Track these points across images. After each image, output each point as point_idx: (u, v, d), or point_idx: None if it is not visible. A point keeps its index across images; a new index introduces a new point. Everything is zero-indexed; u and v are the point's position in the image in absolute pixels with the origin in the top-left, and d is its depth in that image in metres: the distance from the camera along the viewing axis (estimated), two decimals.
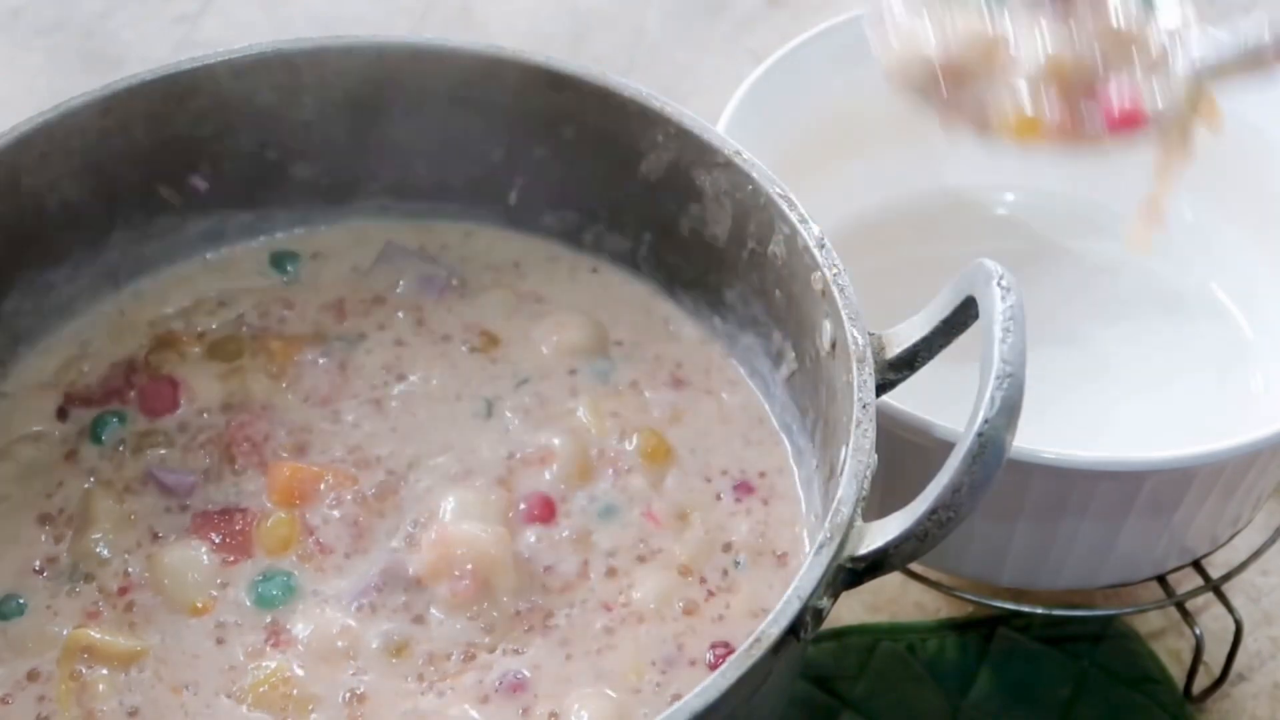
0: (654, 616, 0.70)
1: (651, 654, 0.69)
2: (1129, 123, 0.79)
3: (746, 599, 0.71)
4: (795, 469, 0.76)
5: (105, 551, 0.71)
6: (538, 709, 0.67)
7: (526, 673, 0.68)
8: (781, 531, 0.74)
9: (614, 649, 0.69)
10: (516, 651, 0.69)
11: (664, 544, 0.73)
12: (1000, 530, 0.81)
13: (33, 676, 0.68)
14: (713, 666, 0.68)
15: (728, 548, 0.73)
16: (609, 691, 0.67)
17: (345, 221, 0.84)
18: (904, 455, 0.74)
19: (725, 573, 0.72)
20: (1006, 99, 0.79)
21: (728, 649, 0.69)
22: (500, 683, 0.68)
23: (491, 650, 0.69)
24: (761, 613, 0.70)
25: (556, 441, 0.76)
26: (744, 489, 0.75)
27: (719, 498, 0.75)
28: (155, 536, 0.72)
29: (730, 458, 0.76)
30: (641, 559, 0.72)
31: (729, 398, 0.78)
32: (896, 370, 0.68)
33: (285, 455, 0.75)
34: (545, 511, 0.73)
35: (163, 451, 0.75)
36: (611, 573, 0.72)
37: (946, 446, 0.61)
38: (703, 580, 0.72)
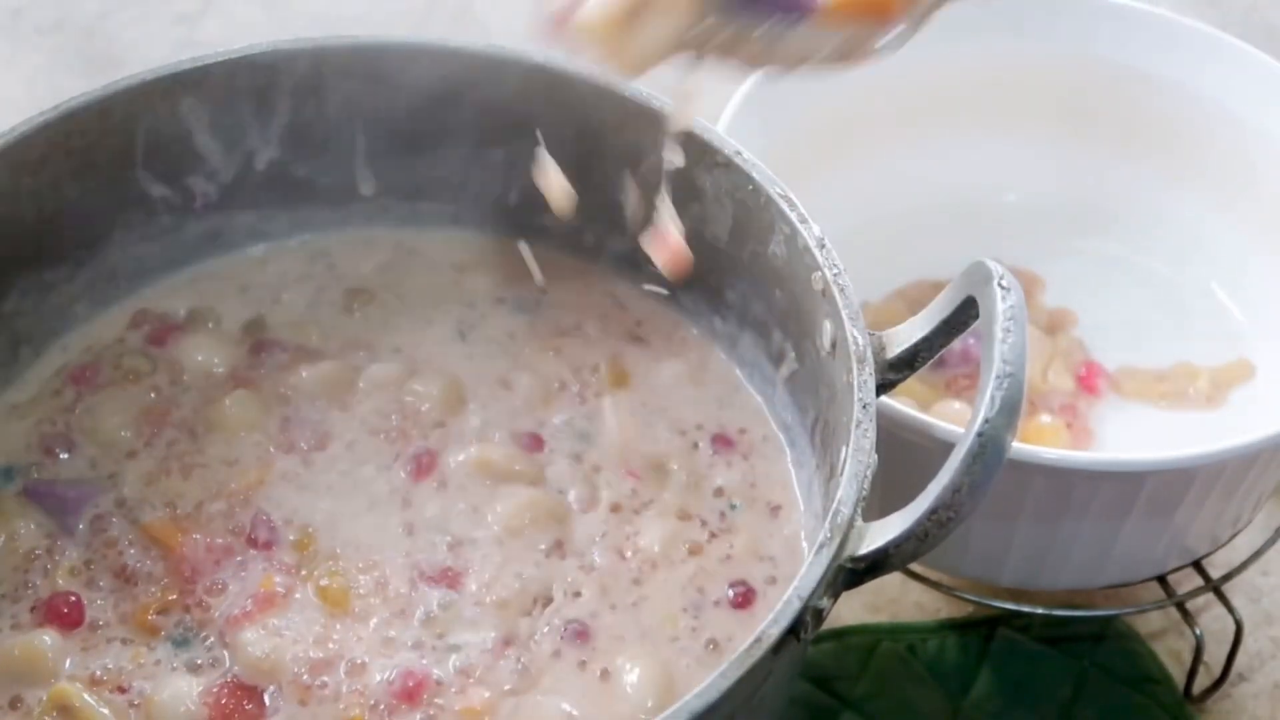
0: (664, 562, 0.72)
1: (679, 601, 0.71)
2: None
3: (749, 542, 0.73)
4: (777, 431, 0.77)
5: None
6: (594, 665, 0.68)
7: (588, 621, 0.70)
8: (772, 486, 0.75)
9: (648, 599, 0.71)
10: (577, 594, 0.70)
11: (653, 495, 0.74)
12: (1001, 530, 0.81)
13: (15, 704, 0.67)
14: (734, 603, 0.71)
15: (719, 492, 0.75)
16: (652, 647, 0.69)
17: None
18: (904, 455, 0.74)
19: (722, 515, 0.74)
20: None
21: (746, 586, 0.71)
22: (565, 630, 0.69)
23: (559, 593, 0.71)
24: (768, 558, 0.72)
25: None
26: (721, 441, 0.77)
27: (696, 446, 0.76)
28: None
29: (705, 415, 0.78)
30: (636, 511, 0.74)
31: (698, 360, 0.80)
32: (897, 370, 0.68)
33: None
34: (534, 443, 0.76)
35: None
36: (616, 509, 0.74)
37: (946, 447, 0.61)
38: (703, 523, 0.74)
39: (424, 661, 0.68)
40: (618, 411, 0.78)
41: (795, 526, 0.74)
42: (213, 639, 0.69)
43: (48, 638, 0.68)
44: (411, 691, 0.67)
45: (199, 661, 0.68)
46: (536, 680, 0.68)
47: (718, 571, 0.72)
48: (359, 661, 0.68)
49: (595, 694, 0.67)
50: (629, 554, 0.72)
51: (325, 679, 0.67)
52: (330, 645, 0.68)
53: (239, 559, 0.71)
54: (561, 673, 0.68)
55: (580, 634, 0.69)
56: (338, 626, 0.69)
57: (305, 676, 0.67)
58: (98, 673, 0.68)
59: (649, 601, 0.71)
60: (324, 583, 0.70)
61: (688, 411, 0.78)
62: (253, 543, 0.72)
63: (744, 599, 0.71)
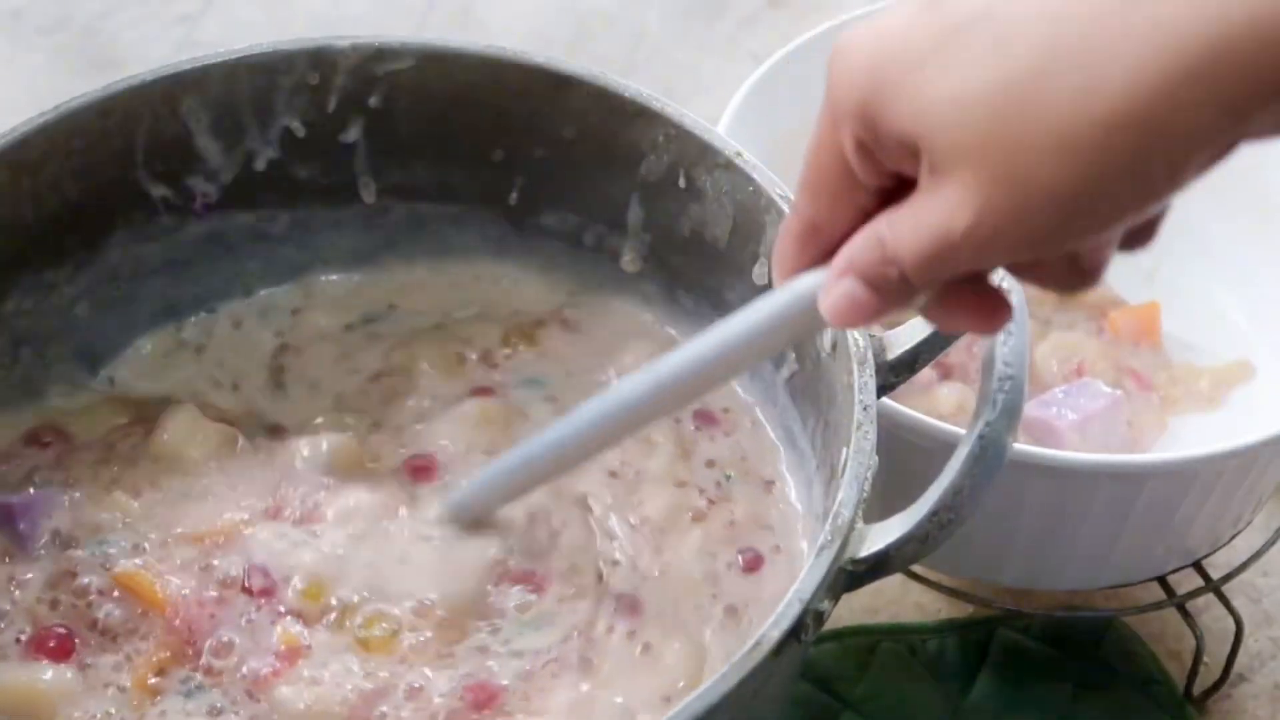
0: (672, 529, 0.72)
1: (697, 568, 0.71)
2: None
3: (748, 513, 0.73)
4: (757, 407, 0.77)
5: None
6: (640, 638, 0.68)
7: (634, 594, 0.69)
8: (763, 461, 0.75)
9: (670, 567, 0.71)
10: (615, 563, 0.70)
11: (644, 464, 0.74)
12: (1001, 531, 0.81)
13: None
14: (745, 568, 0.71)
15: (711, 464, 0.75)
16: (682, 618, 0.68)
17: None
18: (905, 457, 0.74)
19: (719, 484, 0.74)
20: None
21: (755, 553, 0.71)
22: (617, 605, 0.69)
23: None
24: (769, 529, 0.72)
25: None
26: (704, 418, 0.77)
27: (678, 421, 0.77)
28: None
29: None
30: (631, 487, 0.74)
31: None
32: (897, 372, 0.68)
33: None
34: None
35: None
36: (613, 475, 0.73)
37: (948, 448, 0.61)
38: (701, 490, 0.74)
39: (490, 666, 0.66)
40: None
41: (793, 510, 0.74)
42: (238, 696, 0.65)
43: (50, 674, 0.65)
44: (482, 703, 0.64)
45: (218, 706, 0.64)
46: (598, 669, 0.66)
47: (723, 536, 0.72)
48: (415, 685, 0.65)
49: (639, 671, 0.66)
50: (639, 525, 0.72)
51: (384, 709, 0.64)
52: (381, 675, 0.65)
53: (241, 615, 0.67)
54: (616, 651, 0.67)
55: (632, 609, 0.68)
56: (380, 658, 0.66)
57: (361, 711, 0.64)
58: (98, 717, 0.64)
59: (672, 569, 0.70)
60: (361, 634, 0.66)
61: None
62: (248, 591, 0.67)
63: (753, 563, 0.71)
